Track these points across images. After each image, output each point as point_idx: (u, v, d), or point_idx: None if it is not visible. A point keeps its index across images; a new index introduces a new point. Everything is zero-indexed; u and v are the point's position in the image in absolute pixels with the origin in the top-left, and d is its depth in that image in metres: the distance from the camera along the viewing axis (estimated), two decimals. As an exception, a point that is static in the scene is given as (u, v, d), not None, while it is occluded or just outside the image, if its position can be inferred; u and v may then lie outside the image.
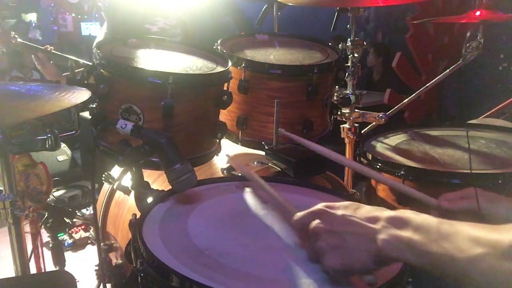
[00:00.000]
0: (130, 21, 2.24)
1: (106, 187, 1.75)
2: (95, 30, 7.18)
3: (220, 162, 1.59)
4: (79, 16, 7.71)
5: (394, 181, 1.33)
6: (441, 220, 0.73)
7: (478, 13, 2.06)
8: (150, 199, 1.12)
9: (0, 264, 2.63)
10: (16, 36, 2.46)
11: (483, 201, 1.03)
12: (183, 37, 2.39)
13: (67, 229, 3.29)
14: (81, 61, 2.42)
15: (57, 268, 1.83)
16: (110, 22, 2.32)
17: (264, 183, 1.16)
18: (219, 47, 1.62)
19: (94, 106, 1.41)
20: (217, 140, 1.50)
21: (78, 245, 3.33)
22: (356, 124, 1.97)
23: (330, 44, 1.81)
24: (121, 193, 1.60)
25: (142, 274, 0.87)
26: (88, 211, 3.67)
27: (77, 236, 3.37)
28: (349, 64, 1.87)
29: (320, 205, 0.88)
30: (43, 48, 2.50)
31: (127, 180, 1.41)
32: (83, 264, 2.90)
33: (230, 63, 1.46)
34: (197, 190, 1.19)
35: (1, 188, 1.33)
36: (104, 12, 2.36)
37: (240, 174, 1.36)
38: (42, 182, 1.95)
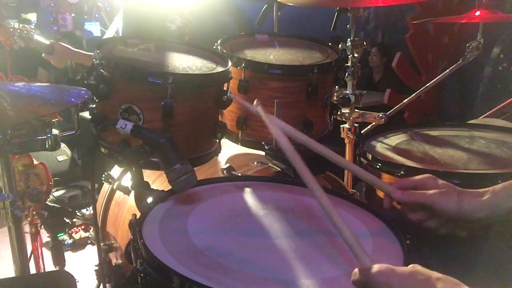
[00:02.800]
0: (150, 19, 2.25)
1: (106, 187, 1.75)
2: (95, 30, 7.17)
3: (220, 162, 1.59)
4: (79, 16, 7.70)
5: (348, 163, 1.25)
6: None
7: (478, 13, 2.06)
8: (150, 199, 1.12)
9: (0, 264, 2.63)
10: (33, 31, 2.36)
11: (435, 195, 0.99)
12: (190, 36, 2.41)
13: (67, 229, 3.28)
14: (88, 53, 2.37)
15: (57, 268, 1.84)
16: (127, 22, 2.32)
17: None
18: (219, 47, 1.62)
19: (94, 106, 1.41)
20: (217, 140, 1.50)
21: (78, 245, 3.32)
22: (356, 124, 1.97)
23: (330, 44, 1.81)
24: (121, 193, 1.60)
25: (142, 274, 0.87)
26: (88, 211, 3.66)
27: (77, 236, 3.37)
28: (349, 64, 1.88)
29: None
30: (49, 43, 2.43)
31: (127, 180, 1.41)
32: (83, 264, 2.90)
33: (230, 63, 1.46)
34: (197, 190, 1.19)
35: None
36: (104, 13, 2.36)
37: (239, 175, 1.36)
38: (42, 182, 1.95)
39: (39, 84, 1.35)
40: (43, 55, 2.40)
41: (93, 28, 7.27)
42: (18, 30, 2.32)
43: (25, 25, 2.36)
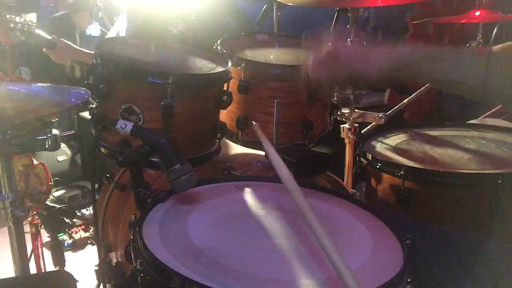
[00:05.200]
0: (152, 22, 2.25)
1: (106, 187, 1.75)
2: (95, 30, 7.16)
3: (220, 162, 1.59)
4: (79, 16, 7.71)
5: None
6: None
7: (478, 13, 2.06)
8: (150, 199, 1.12)
9: (0, 264, 2.63)
10: (34, 26, 2.33)
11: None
12: (193, 41, 2.40)
13: (67, 229, 3.28)
14: (88, 51, 2.35)
15: (57, 268, 1.84)
16: (129, 25, 2.32)
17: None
18: (219, 47, 1.62)
19: (94, 106, 1.41)
20: (217, 140, 1.50)
21: (78, 245, 3.32)
22: (356, 124, 1.97)
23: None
24: (121, 193, 1.60)
25: (142, 274, 0.87)
26: (88, 211, 3.66)
27: (77, 236, 3.36)
28: (349, 64, 1.87)
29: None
30: (50, 38, 2.41)
31: (127, 180, 1.41)
32: (83, 264, 2.90)
33: (230, 63, 1.46)
34: (197, 190, 1.19)
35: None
36: (104, 13, 2.37)
37: (239, 174, 1.36)
38: (42, 182, 1.95)
39: (39, 84, 1.35)
40: (43, 49, 2.39)
41: (93, 28, 7.25)
42: (19, 24, 2.31)
43: (26, 19, 2.35)
